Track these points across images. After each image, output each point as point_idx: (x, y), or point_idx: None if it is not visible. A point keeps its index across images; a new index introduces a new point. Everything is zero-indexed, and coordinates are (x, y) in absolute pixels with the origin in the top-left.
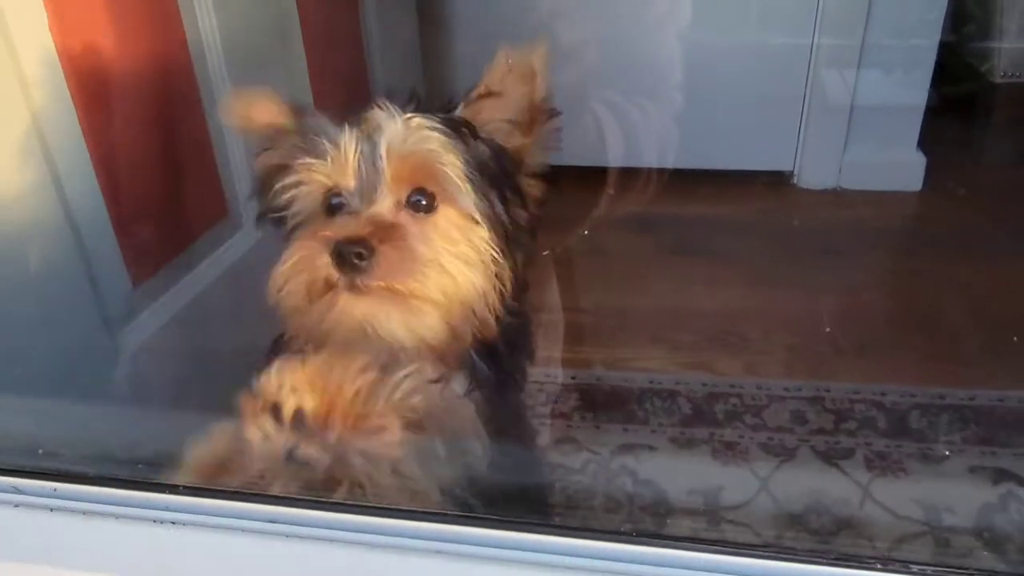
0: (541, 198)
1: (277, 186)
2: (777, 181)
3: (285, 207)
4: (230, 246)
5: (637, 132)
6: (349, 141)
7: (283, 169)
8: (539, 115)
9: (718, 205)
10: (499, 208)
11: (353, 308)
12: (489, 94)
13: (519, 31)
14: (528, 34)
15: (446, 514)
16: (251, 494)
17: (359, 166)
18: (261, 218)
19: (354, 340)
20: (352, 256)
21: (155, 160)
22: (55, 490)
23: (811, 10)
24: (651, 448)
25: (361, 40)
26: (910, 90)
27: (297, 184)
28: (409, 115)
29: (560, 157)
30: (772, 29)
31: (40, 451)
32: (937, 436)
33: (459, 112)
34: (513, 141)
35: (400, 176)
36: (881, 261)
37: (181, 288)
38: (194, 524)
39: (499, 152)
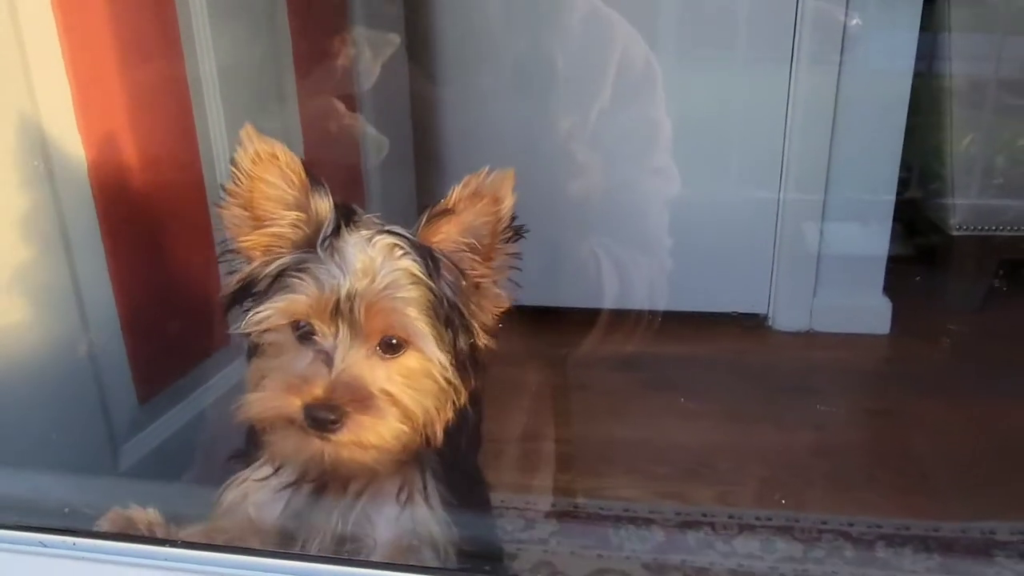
0: (495, 328)
1: (251, 310)
2: (753, 323)
3: (257, 327)
4: (229, 371)
5: (623, 278)
6: (327, 284)
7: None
8: (499, 241)
9: (698, 345)
10: (456, 338)
11: (317, 449)
12: (448, 211)
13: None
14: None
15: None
16: (238, 548)
17: (335, 311)
18: (230, 308)
19: (312, 465)
20: (326, 422)
21: (167, 290)
22: (74, 544)
23: (776, 168)
24: (624, 574)
25: (360, 170)
26: (872, 240)
27: (270, 313)
28: (378, 234)
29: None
30: (743, 184)
31: (66, 510)
32: (902, 565)
33: (421, 227)
34: (473, 269)
35: (374, 328)
36: (851, 399)
37: (182, 408)
38: (188, 571)
39: (456, 284)
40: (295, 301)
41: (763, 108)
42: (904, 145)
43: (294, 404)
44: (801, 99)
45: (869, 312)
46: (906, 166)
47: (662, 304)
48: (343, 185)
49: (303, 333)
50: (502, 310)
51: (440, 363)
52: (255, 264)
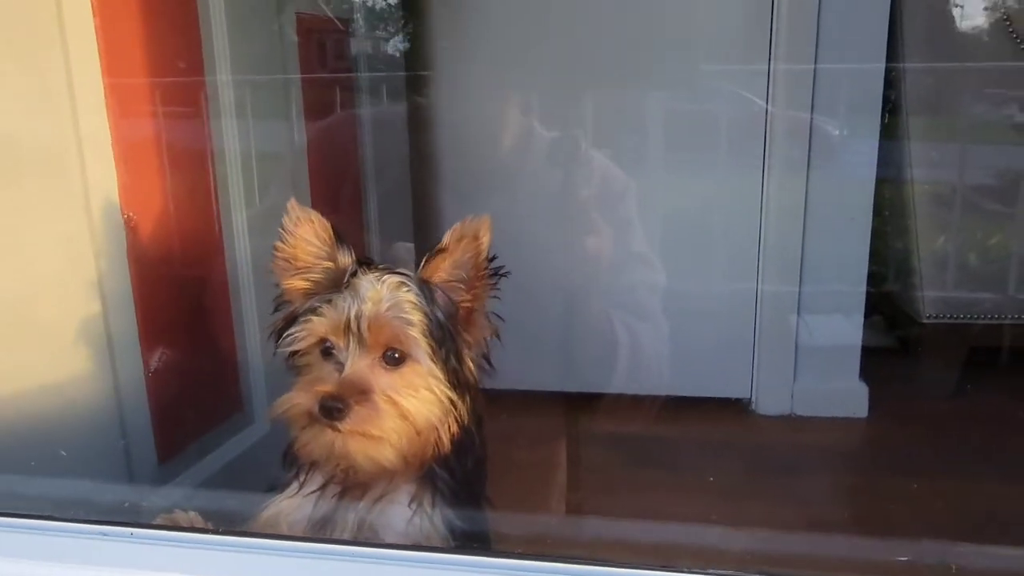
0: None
1: (286, 332)
2: (737, 407)
3: (291, 346)
4: (243, 437)
5: (617, 367)
6: (341, 308)
7: (298, 310)
8: (481, 272)
9: (685, 427)
10: (450, 360)
11: (330, 439)
12: (443, 250)
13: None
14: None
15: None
16: (267, 534)
17: (347, 328)
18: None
19: (329, 458)
20: (334, 410)
21: (189, 359)
22: (131, 534)
23: (754, 263)
24: None
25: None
26: (846, 330)
27: (301, 333)
28: (386, 274)
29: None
30: (726, 278)
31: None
32: None
33: (422, 266)
34: (461, 298)
35: (377, 341)
36: (831, 478)
37: (199, 468)
38: (227, 552)
39: (448, 311)
40: (318, 323)
41: (740, 209)
42: (881, 243)
43: (311, 398)
44: (774, 202)
45: (847, 396)
46: (883, 262)
47: (651, 388)
48: None
49: (325, 350)
50: (489, 335)
51: (434, 375)
52: (295, 304)
